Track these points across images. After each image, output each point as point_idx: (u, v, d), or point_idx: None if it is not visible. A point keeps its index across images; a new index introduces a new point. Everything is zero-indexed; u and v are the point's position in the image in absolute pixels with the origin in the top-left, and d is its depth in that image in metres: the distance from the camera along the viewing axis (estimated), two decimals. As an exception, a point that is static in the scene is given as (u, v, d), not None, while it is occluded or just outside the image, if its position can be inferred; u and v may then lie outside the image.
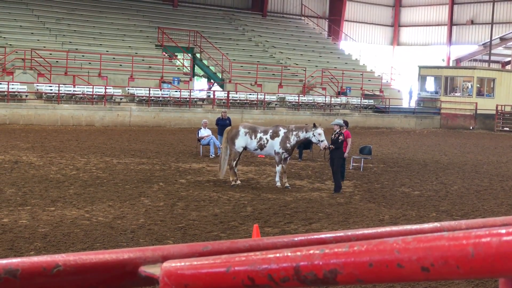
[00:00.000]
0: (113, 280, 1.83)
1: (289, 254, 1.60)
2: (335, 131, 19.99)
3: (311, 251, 1.57)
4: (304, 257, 1.57)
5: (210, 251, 1.95)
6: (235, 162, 20.58)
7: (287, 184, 20.16)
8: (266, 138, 20.32)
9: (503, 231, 1.35)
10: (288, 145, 20.01)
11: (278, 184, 20.12)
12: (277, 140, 20.13)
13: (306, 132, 19.83)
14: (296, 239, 2.07)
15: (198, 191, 19.02)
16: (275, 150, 20.18)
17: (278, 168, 20.24)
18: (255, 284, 1.66)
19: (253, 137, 20.51)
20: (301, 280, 1.58)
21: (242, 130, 20.68)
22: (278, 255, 1.63)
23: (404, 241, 1.46)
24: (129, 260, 1.85)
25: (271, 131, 20.43)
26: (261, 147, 20.49)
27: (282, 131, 20.19)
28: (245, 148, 20.71)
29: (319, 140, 19.57)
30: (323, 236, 2.10)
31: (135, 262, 1.86)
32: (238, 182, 20.45)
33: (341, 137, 19.90)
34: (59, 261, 1.76)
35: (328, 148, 19.57)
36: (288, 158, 20.56)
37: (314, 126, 19.77)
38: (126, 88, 44.78)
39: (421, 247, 1.43)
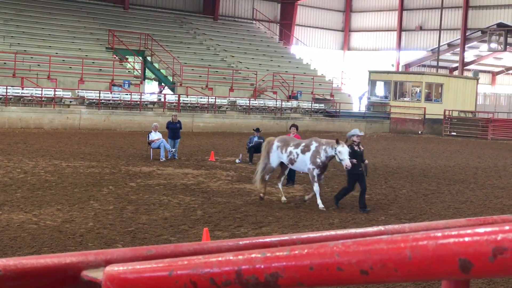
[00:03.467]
0: (55, 285, 1.82)
1: (231, 257, 1.61)
2: (354, 142, 18.18)
3: (253, 255, 1.58)
4: (245, 261, 1.58)
5: (154, 255, 1.95)
6: (268, 176, 19.14)
7: (306, 197, 18.89)
8: (296, 152, 18.63)
9: (439, 234, 1.37)
10: (318, 160, 18.16)
11: (321, 205, 18.03)
12: (308, 155, 18.40)
13: (331, 149, 17.86)
14: (241, 242, 2.08)
15: (148, 194, 18.91)
16: (307, 167, 18.55)
17: (315, 188, 18.30)
18: (197, 288, 1.66)
19: (283, 151, 18.92)
20: (243, 284, 1.58)
21: (275, 144, 19.15)
22: (220, 258, 1.63)
23: (344, 245, 1.48)
24: (71, 264, 1.83)
25: (303, 144, 18.68)
26: (291, 162, 18.80)
27: (313, 145, 18.39)
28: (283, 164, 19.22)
29: (340, 159, 17.57)
30: (268, 239, 2.11)
31: (78, 267, 1.84)
32: (262, 195, 19.00)
33: (361, 147, 18.36)
34: (-1, 266, 1.74)
35: (361, 167, 18.01)
36: (322, 177, 18.83)
37: (337, 142, 17.73)
38: (76, 91, 44.33)
39: (361, 251, 1.45)
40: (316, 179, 18.24)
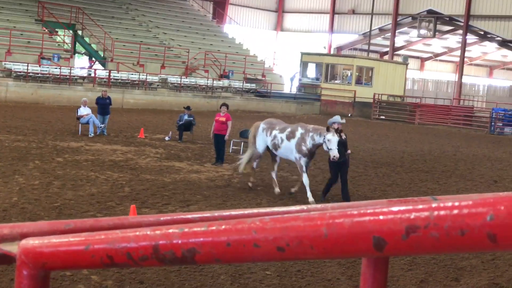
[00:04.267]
0: (-33, 258, 1.78)
1: (149, 232, 1.60)
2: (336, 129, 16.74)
3: (171, 230, 1.57)
4: (163, 236, 1.57)
5: (73, 229, 1.92)
6: (255, 163, 18.09)
7: (292, 190, 17.48)
8: (281, 137, 17.24)
9: (355, 212, 1.38)
10: (303, 148, 16.73)
11: (311, 199, 16.68)
12: (293, 142, 16.99)
13: (319, 136, 16.46)
14: (162, 218, 2.07)
15: (75, 170, 18.68)
16: (294, 156, 17.10)
17: (304, 179, 16.90)
18: (114, 262, 1.64)
19: (268, 134, 17.62)
20: (159, 259, 1.57)
21: (261, 126, 17.93)
22: (137, 233, 1.62)
23: (261, 221, 1.48)
24: (-15, 237, 1.79)
25: (289, 129, 17.28)
26: (275, 147, 17.42)
27: (299, 132, 16.95)
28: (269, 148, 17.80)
29: (328, 148, 16.18)
30: (189, 216, 2.10)
31: (-8, 240, 1.80)
32: (250, 184, 17.93)
33: (344, 136, 17.01)
34: None
35: (344, 156, 16.77)
36: (308, 164, 17.27)
37: (327, 130, 16.31)
38: (3, 63, 43.31)
39: (278, 227, 1.45)
40: (304, 169, 16.87)
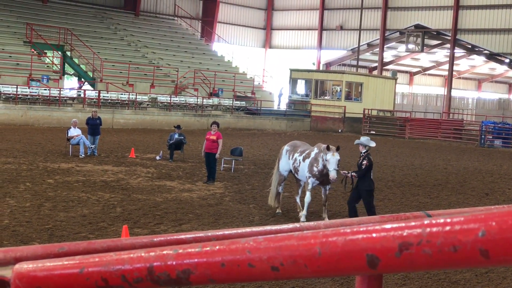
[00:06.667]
0: (-39, 283, 1.77)
1: (143, 254, 1.60)
2: (360, 152, 15.97)
3: (165, 251, 1.57)
4: (157, 257, 1.57)
5: (66, 252, 1.92)
6: (281, 187, 17.38)
7: (324, 217, 16.38)
8: (299, 160, 16.69)
9: (348, 230, 1.39)
10: (315, 168, 16.13)
11: (303, 218, 16.08)
12: (307, 162, 16.44)
13: (326, 155, 15.85)
14: (155, 239, 2.07)
15: (66, 191, 18.63)
16: (305, 174, 16.53)
17: (307, 198, 16.30)
18: (109, 285, 1.64)
19: (291, 157, 17.06)
20: (154, 281, 1.58)
21: (284, 149, 17.42)
22: (132, 255, 1.62)
23: (255, 241, 1.49)
24: (-21, 262, 1.79)
25: (307, 151, 16.71)
26: (296, 171, 16.89)
27: (314, 152, 16.39)
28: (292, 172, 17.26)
29: (327, 169, 15.66)
30: (182, 236, 2.10)
31: (-14, 264, 1.80)
32: (279, 211, 17.22)
33: (365, 162, 15.57)
34: None
35: (351, 177, 15.63)
36: (327, 187, 16.61)
37: (327, 148, 15.78)
38: (-8, 85, 43.29)
39: (272, 247, 1.46)
40: (309, 187, 16.30)
